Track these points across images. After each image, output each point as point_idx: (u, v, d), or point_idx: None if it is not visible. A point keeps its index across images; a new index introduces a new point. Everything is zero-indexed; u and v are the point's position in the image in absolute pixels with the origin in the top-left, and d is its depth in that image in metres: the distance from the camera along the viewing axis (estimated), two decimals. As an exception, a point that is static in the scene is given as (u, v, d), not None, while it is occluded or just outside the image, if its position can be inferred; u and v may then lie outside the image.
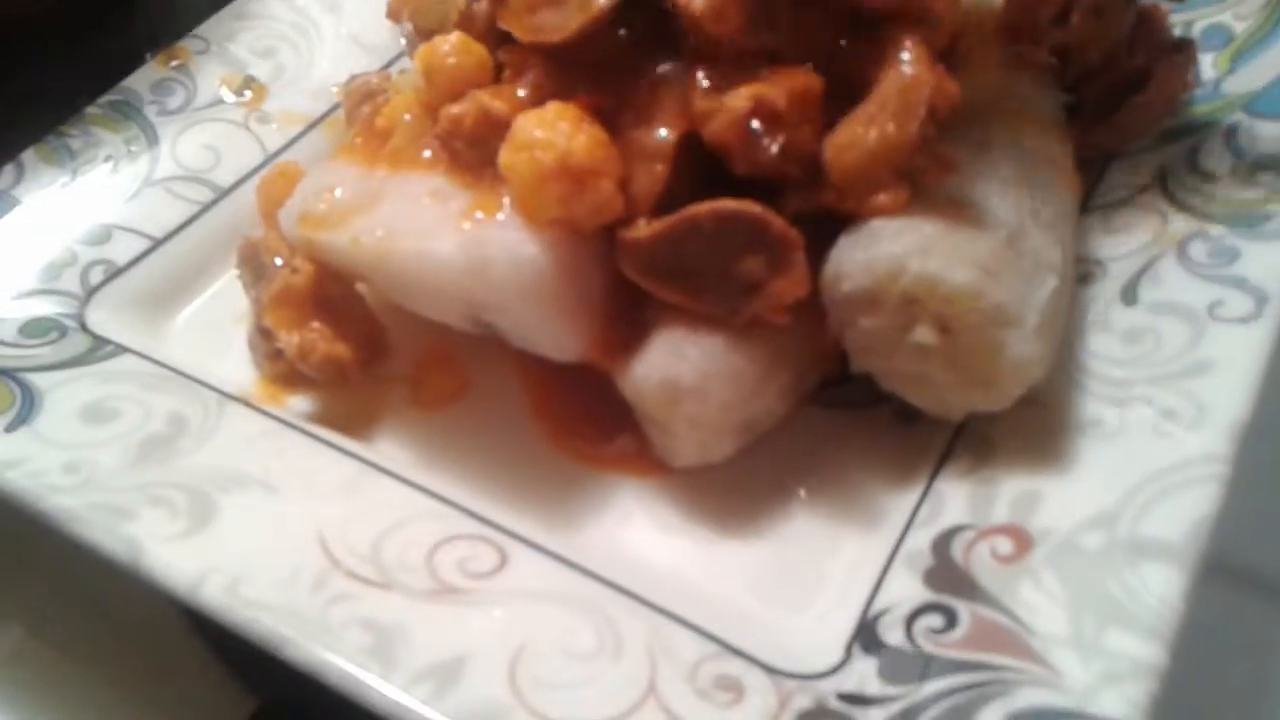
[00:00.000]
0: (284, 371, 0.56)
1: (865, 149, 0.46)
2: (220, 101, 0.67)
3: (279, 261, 0.55)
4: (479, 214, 0.50)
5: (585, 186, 0.48)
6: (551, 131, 0.48)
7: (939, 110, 0.45)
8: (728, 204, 0.46)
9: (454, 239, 0.49)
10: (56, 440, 0.50)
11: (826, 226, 0.48)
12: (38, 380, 0.53)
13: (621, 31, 0.52)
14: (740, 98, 0.47)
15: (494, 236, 0.49)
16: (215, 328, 0.60)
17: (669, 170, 0.49)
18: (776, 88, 0.48)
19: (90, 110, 0.65)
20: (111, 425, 0.51)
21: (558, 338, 0.50)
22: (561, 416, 0.54)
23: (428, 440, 0.54)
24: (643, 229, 0.47)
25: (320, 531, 0.46)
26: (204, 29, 0.70)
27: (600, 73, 0.52)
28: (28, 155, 0.63)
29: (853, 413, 0.52)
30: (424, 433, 0.55)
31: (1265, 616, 0.52)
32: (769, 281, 0.46)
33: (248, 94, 0.68)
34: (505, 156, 0.48)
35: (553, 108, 0.49)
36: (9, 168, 0.62)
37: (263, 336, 0.56)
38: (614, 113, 0.51)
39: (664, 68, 0.51)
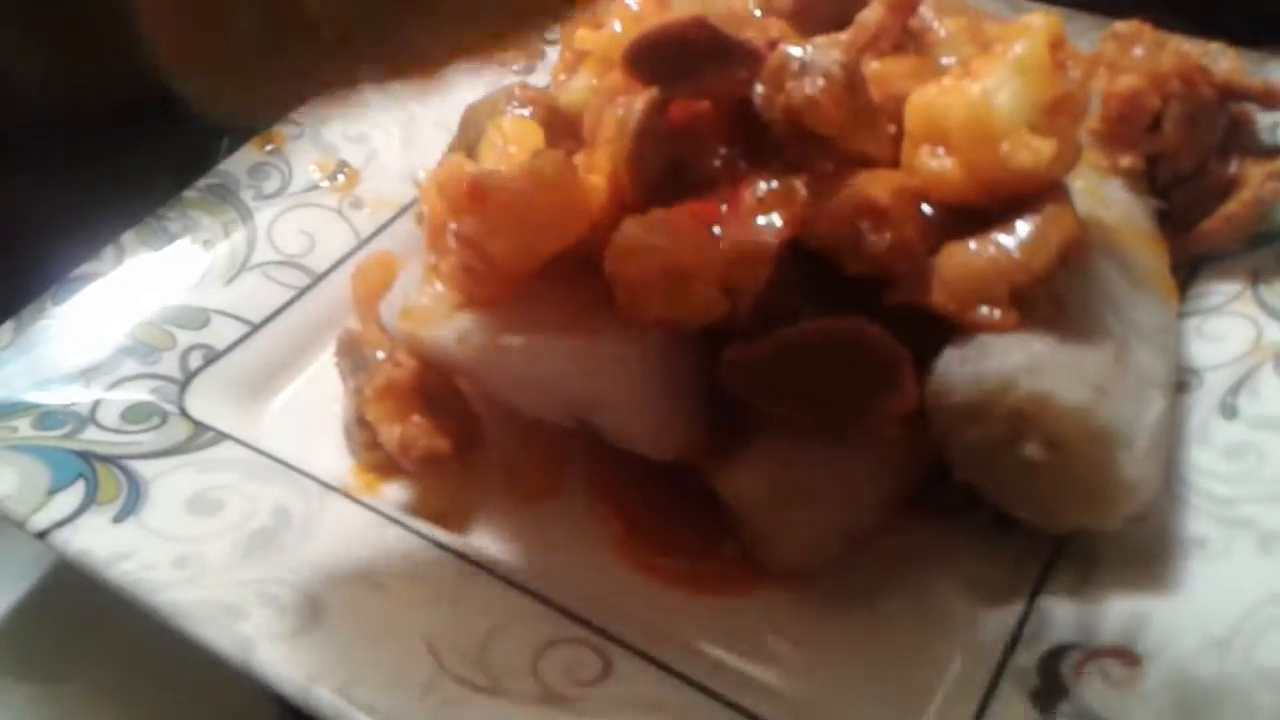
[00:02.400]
0: (381, 460, 0.57)
1: (985, 265, 0.47)
2: (315, 186, 0.69)
3: (380, 355, 0.56)
4: (583, 313, 0.50)
5: (688, 290, 0.48)
6: (654, 235, 0.49)
7: (1069, 253, 0.46)
8: (834, 322, 0.47)
9: (564, 341, 0.50)
10: (165, 532, 0.51)
11: (927, 325, 0.49)
12: (142, 468, 0.54)
13: (721, 150, 0.53)
14: (844, 199, 0.48)
15: (603, 339, 0.49)
16: (310, 412, 0.61)
17: (772, 273, 0.49)
18: (878, 186, 0.49)
19: (188, 194, 0.67)
20: (218, 517, 0.52)
21: (658, 436, 0.51)
22: (643, 528, 0.54)
23: (524, 534, 0.55)
24: (747, 348, 0.48)
25: (427, 633, 0.47)
26: (298, 113, 0.72)
27: (698, 181, 0.53)
28: (127, 238, 0.64)
29: (952, 517, 0.52)
30: (520, 526, 0.55)
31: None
32: (876, 397, 0.47)
33: (341, 179, 0.69)
34: (610, 259, 0.49)
35: (660, 214, 0.50)
36: (109, 250, 0.64)
37: (361, 427, 0.57)
38: (715, 218, 0.52)
39: (760, 175, 0.52)
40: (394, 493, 0.56)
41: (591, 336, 0.50)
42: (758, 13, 0.62)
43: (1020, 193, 0.48)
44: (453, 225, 0.52)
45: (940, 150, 0.49)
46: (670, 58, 0.52)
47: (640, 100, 0.51)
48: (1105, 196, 0.55)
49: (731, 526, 0.51)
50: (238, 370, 0.61)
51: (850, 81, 0.49)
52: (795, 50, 0.51)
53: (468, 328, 0.52)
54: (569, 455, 0.56)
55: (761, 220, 0.50)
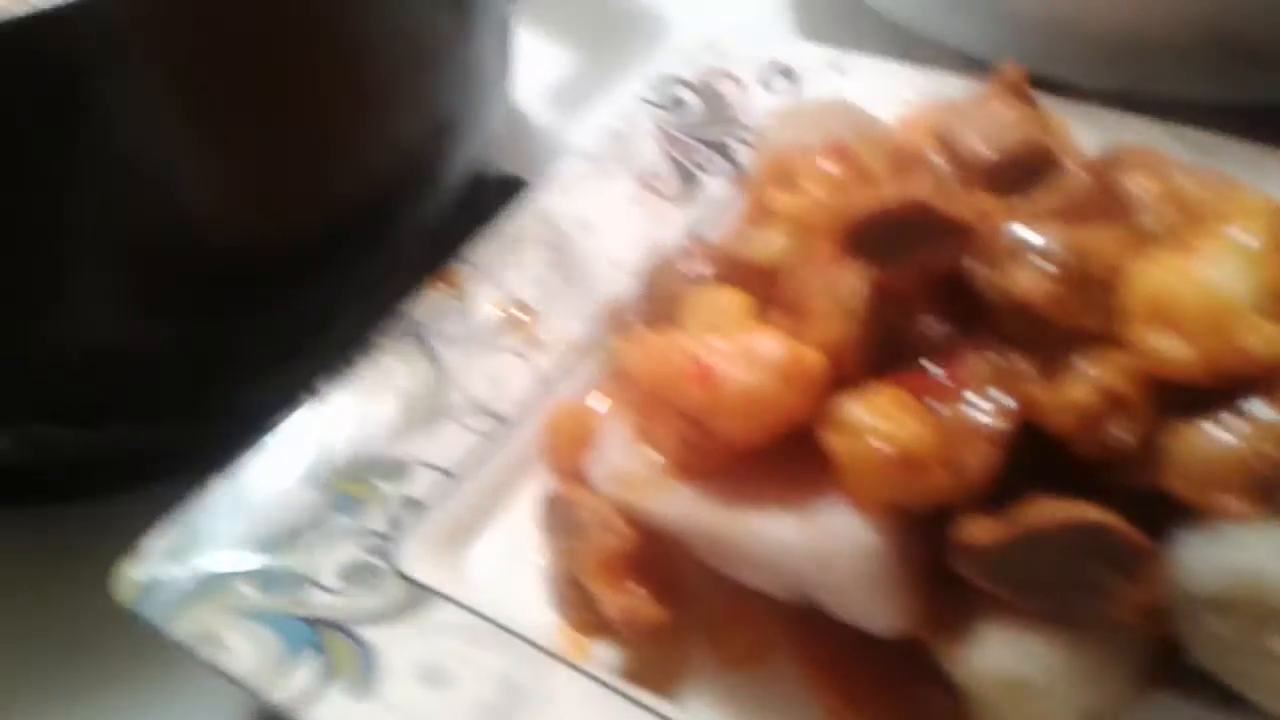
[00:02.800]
0: (592, 621, 0.58)
1: (1224, 452, 0.47)
2: (496, 329, 0.70)
3: (594, 520, 0.57)
4: (808, 489, 0.51)
5: (921, 475, 0.49)
6: (885, 420, 0.50)
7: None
8: (1074, 514, 0.47)
9: (793, 522, 0.51)
10: (406, 710, 0.52)
11: (1156, 502, 0.49)
12: (370, 635, 0.55)
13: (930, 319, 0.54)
14: (1086, 388, 0.49)
15: (834, 521, 0.50)
16: (508, 565, 0.62)
17: (1003, 455, 0.50)
18: (1112, 371, 0.49)
19: (378, 338, 0.68)
20: (451, 690, 0.53)
21: (886, 616, 0.51)
22: (859, 702, 0.54)
23: (737, 702, 0.55)
24: (979, 535, 0.48)
25: (675, 821, 0.48)
26: (472, 251, 0.73)
27: (909, 352, 0.54)
28: (323, 384, 0.66)
29: (1185, 700, 0.52)
30: (732, 693, 0.56)
31: None
32: (1120, 589, 0.47)
33: (519, 317, 0.71)
34: (831, 438, 0.50)
35: (884, 393, 0.51)
36: (305, 397, 0.65)
37: (574, 589, 0.58)
38: (933, 394, 0.52)
39: (978, 346, 0.53)
40: (603, 653, 0.58)
41: (819, 516, 0.51)
42: (936, 159, 0.63)
43: (1250, 378, 0.49)
44: (674, 402, 0.53)
45: (1169, 332, 0.50)
46: (887, 236, 0.53)
47: (862, 280, 0.52)
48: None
49: (956, 706, 0.52)
50: (440, 523, 0.62)
51: (1081, 267, 0.50)
52: (1017, 230, 0.52)
53: (689, 501, 0.53)
54: (779, 619, 0.57)
55: (986, 401, 0.51)
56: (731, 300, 0.54)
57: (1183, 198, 0.57)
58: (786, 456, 0.53)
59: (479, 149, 0.82)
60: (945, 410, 0.51)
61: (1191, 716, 0.51)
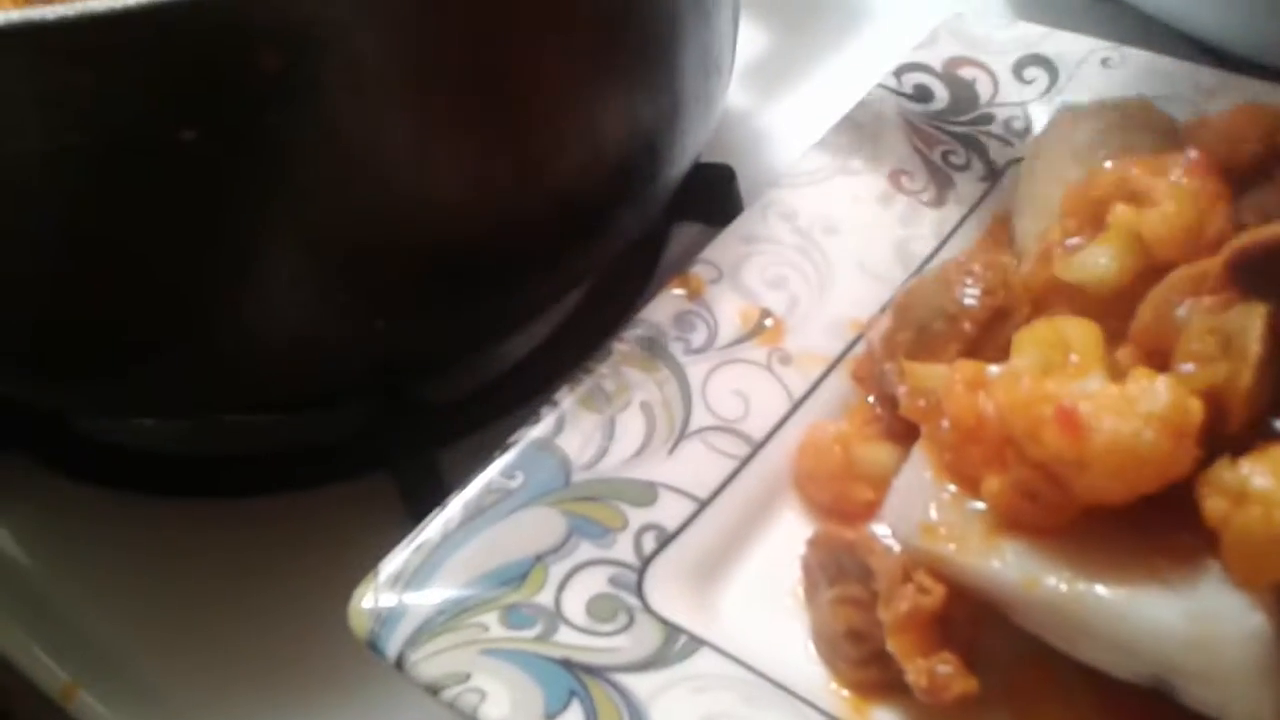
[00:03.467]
0: (871, 681, 0.51)
1: None
2: (741, 339, 0.63)
3: (882, 564, 0.50)
4: (1179, 561, 0.44)
5: (1319, 553, 0.42)
6: (1281, 484, 0.42)
7: None
8: None
9: (1168, 598, 0.43)
10: (689, 781, 0.46)
11: None
12: (634, 685, 0.49)
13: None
14: None
15: (1219, 601, 0.43)
16: (763, 608, 0.55)
17: None
18: None
19: (618, 347, 0.62)
20: (735, 761, 0.47)
21: (1264, 711, 0.44)
22: None
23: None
24: None
25: None
26: (711, 253, 0.67)
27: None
28: (564, 398, 0.60)
29: None
30: (1041, 775, 0.49)
31: None
32: None
33: (766, 326, 0.64)
34: (1221, 506, 0.43)
35: (1275, 455, 0.43)
36: (547, 411, 0.59)
37: (853, 643, 0.51)
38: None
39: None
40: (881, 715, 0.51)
41: (1199, 592, 0.43)
42: None
43: None
44: (1026, 449, 0.46)
45: None
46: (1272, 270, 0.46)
47: (1258, 319, 0.44)
48: None
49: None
50: (690, 555, 0.56)
51: None
52: None
53: (1029, 564, 0.46)
54: (1105, 699, 0.50)
55: None
56: (1085, 334, 0.47)
57: None
58: (1143, 517, 0.46)
59: (707, 136, 0.75)
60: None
61: None
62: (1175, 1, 0.84)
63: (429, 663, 0.50)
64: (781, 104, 0.96)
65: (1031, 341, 0.47)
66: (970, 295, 0.54)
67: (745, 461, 0.59)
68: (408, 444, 0.69)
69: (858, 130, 0.74)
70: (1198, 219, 0.48)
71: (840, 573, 0.53)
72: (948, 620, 0.49)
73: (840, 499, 0.58)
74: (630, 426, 0.59)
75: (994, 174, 0.72)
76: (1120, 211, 0.50)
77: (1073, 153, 0.60)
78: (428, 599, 0.52)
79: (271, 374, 0.63)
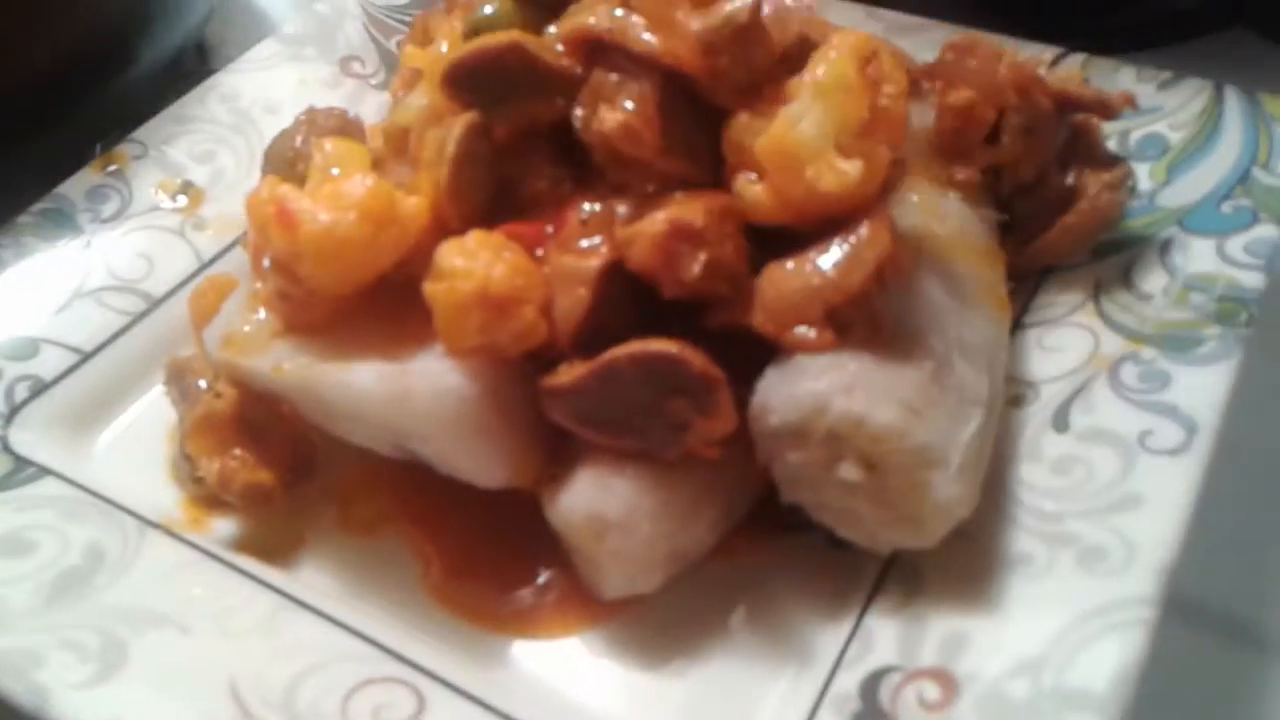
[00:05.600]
0: (208, 494, 0.55)
1: (801, 285, 0.46)
2: (156, 208, 0.67)
3: (203, 384, 0.54)
4: (402, 341, 0.49)
5: (506, 314, 0.47)
6: (471, 260, 0.47)
7: (885, 272, 0.45)
8: (646, 347, 0.46)
9: (375, 369, 0.48)
10: (-31, 576, 0.49)
11: (751, 347, 0.48)
12: (-50, 507, 0.52)
13: (548, 171, 0.52)
14: (658, 220, 0.47)
15: (415, 367, 0.48)
16: (142, 446, 0.59)
17: (592, 296, 0.48)
18: (692, 208, 0.48)
19: (22, 219, 0.64)
20: (27, 559, 0.50)
21: (483, 466, 0.50)
22: (458, 563, 0.53)
23: (353, 569, 0.53)
24: (563, 375, 0.47)
25: (232, 676, 0.45)
26: (141, 132, 0.70)
27: (524, 202, 0.52)
28: (-46, 264, 0.62)
29: (783, 540, 0.51)
30: (350, 560, 0.53)
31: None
32: (695, 420, 0.46)
33: (184, 199, 0.67)
34: (428, 285, 0.48)
35: (474, 236, 0.48)
36: (-66, 279, 0.61)
37: (186, 460, 0.55)
38: (537, 241, 0.51)
39: (585, 198, 0.51)
40: (224, 528, 0.55)
41: (406, 365, 0.48)
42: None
43: (835, 214, 0.48)
44: (266, 249, 0.50)
45: (753, 175, 0.49)
46: (488, 81, 0.51)
47: (459, 124, 0.50)
48: (940, 210, 0.55)
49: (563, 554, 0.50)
50: (67, 402, 0.59)
51: (660, 103, 0.48)
52: (611, 75, 0.50)
53: (283, 356, 0.51)
54: (396, 481, 0.55)
55: (584, 243, 0.50)
56: (349, 150, 0.52)
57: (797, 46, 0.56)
58: (391, 312, 0.51)
59: (185, 33, 0.78)
60: (543, 255, 0.50)
61: (798, 558, 0.51)
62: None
63: None
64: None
65: (314, 164, 0.52)
66: (311, 139, 0.58)
67: (140, 317, 0.62)
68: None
69: (318, 20, 0.78)
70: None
71: (183, 398, 0.57)
72: (251, 423, 0.53)
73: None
74: (20, 289, 0.62)
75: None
76: (411, 54, 0.56)
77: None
78: None
79: None
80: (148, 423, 0.60)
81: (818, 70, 0.48)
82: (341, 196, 0.48)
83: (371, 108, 0.74)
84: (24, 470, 0.55)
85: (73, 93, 0.73)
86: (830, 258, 0.47)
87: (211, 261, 0.65)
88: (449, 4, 0.60)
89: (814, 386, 0.45)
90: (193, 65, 0.84)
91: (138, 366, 0.61)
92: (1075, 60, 0.68)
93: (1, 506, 0.52)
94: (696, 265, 0.46)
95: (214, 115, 0.72)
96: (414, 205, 0.49)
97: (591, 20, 0.49)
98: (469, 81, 0.51)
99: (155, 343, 0.62)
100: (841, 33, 0.49)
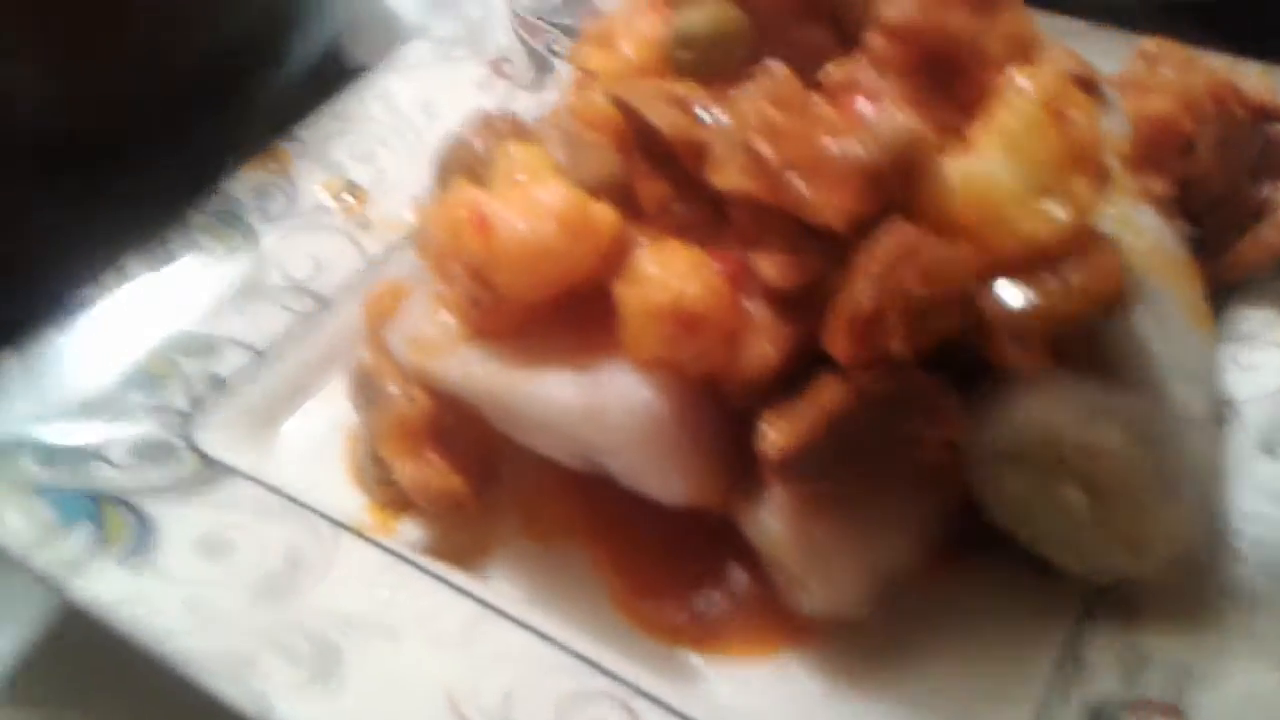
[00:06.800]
0: (396, 497, 0.55)
1: (1023, 311, 0.45)
2: (322, 207, 0.67)
3: (392, 388, 0.54)
4: (592, 351, 0.49)
5: (693, 333, 0.46)
6: (669, 270, 0.47)
7: (1109, 299, 0.44)
8: (872, 384, 0.44)
9: (569, 380, 0.48)
10: (174, 576, 0.49)
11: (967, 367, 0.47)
12: (151, 507, 0.53)
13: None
14: (866, 297, 0.43)
15: (607, 380, 0.48)
16: (320, 444, 0.59)
17: (780, 361, 0.46)
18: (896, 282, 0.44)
19: (193, 215, 0.65)
20: (229, 560, 0.50)
21: (671, 482, 0.49)
22: (643, 579, 0.52)
23: (541, 576, 0.53)
24: (781, 438, 0.45)
25: (447, 686, 0.45)
26: (301, 130, 0.70)
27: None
28: (131, 262, 0.63)
29: (989, 562, 0.50)
30: (538, 567, 0.53)
31: None
32: (926, 433, 0.45)
33: (348, 199, 0.68)
34: (620, 287, 0.48)
35: (676, 247, 0.48)
36: (111, 276, 0.62)
37: (375, 463, 0.55)
38: (737, 273, 0.49)
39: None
40: (410, 530, 0.55)
41: (597, 377, 0.48)
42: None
43: (1051, 255, 0.46)
44: (458, 256, 0.50)
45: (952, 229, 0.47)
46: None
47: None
48: (1137, 224, 0.53)
49: (759, 570, 0.50)
50: (246, 401, 0.59)
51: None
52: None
53: (472, 361, 0.51)
54: (580, 491, 0.55)
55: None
56: (534, 155, 0.51)
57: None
58: (582, 317, 0.50)
59: (324, 37, 0.78)
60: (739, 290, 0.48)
61: (997, 580, 0.50)
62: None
63: (-48, 499, 0.52)
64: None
65: (497, 169, 0.52)
66: (487, 141, 0.58)
67: (312, 317, 0.63)
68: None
69: (466, 22, 0.78)
70: (646, 52, 0.53)
71: (370, 402, 0.57)
72: (441, 429, 0.53)
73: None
74: (195, 287, 0.62)
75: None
76: (588, 56, 0.56)
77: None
78: (-35, 445, 0.55)
79: None
80: (323, 423, 0.60)
81: (1005, 117, 0.46)
82: (538, 204, 0.48)
83: (522, 109, 0.74)
84: (213, 469, 0.55)
85: (219, 92, 0.73)
86: (1054, 283, 0.45)
87: (378, 263, 0.65)
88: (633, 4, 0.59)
89: (1037, 409, 0.44)
90: (330, 66, 0.84)
91: (310, 367, 0.62)
92: (1252, 68, 0.66)
93: (198, 506, 0.53)
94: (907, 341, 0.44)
95: (372, 114, 0.72)
96: (607, 214, 0.49)
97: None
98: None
99: (326, 343, 0.62)
100: (1026, 70, 0.47)
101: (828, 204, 0.44)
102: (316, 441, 0.59)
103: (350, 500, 0.56)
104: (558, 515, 0.55)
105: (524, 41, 0.77)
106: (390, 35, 0.94)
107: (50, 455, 0.55)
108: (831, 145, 0.45)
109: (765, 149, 0.44)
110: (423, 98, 0.73)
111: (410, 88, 0.73)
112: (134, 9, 0.66)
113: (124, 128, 0.67)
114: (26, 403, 0.57)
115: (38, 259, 0.66)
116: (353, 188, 0.68)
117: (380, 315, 0.61)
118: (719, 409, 0.49)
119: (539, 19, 0.78)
